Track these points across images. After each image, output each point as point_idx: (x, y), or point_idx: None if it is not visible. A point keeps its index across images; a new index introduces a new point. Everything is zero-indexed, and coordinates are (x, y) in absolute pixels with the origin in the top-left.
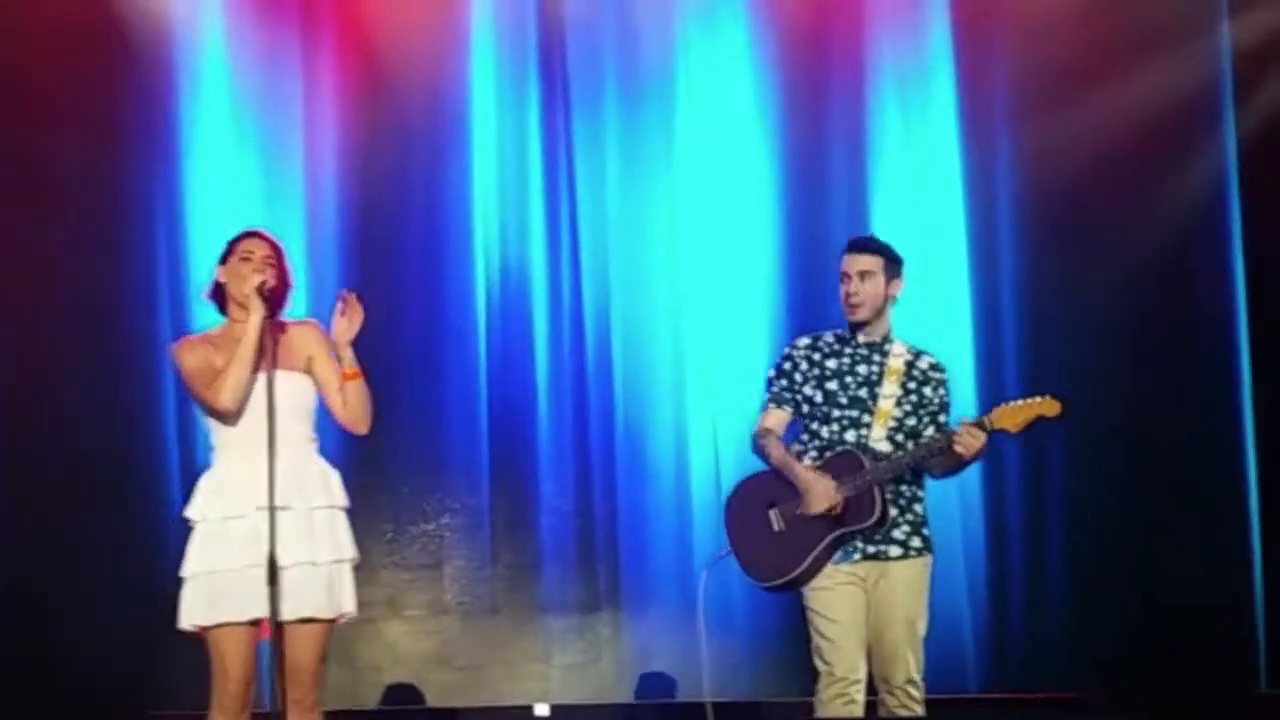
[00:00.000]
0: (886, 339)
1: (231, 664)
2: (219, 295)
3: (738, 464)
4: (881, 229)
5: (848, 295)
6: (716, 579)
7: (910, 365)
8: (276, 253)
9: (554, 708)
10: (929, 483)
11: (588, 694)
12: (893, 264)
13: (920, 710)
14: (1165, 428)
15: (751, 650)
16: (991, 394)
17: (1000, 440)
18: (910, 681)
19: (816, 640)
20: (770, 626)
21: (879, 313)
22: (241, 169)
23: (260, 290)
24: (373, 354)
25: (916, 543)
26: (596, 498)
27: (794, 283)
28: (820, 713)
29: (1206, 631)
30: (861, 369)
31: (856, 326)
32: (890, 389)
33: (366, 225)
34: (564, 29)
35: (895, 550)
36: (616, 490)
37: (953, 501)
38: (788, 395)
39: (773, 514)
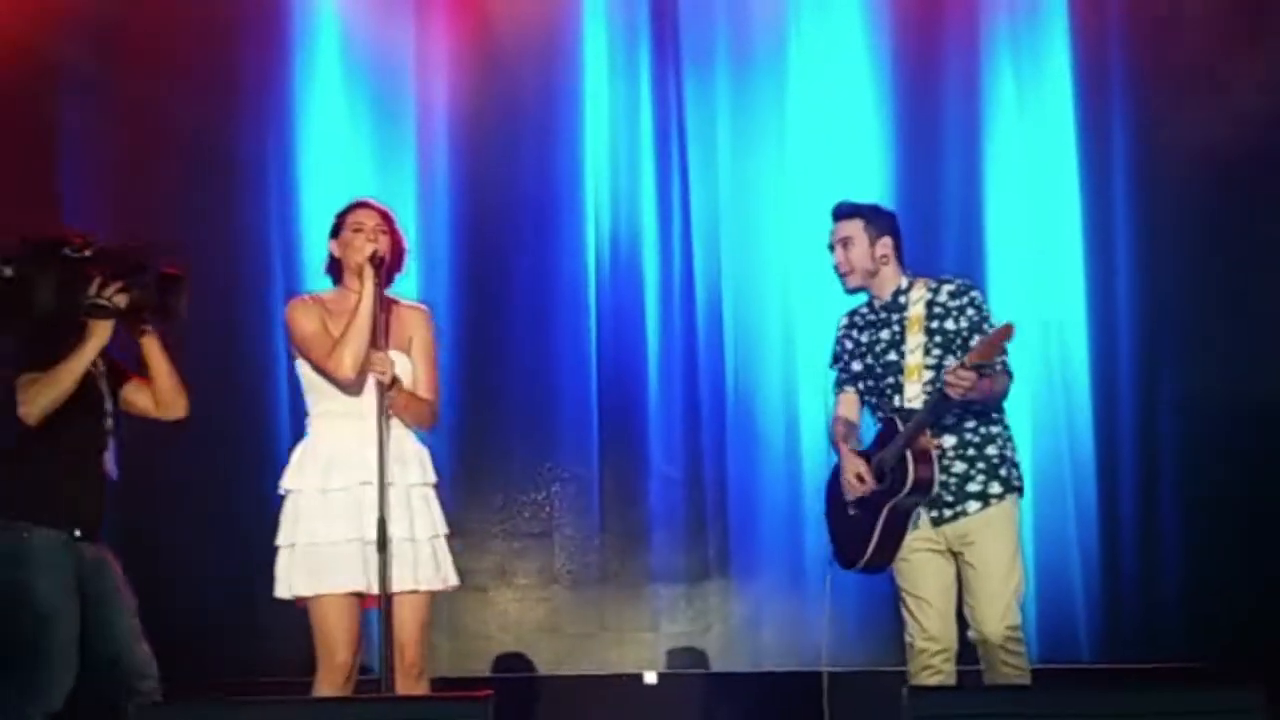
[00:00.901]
0: (900, 291)
1: (336, 634)
2: (335, 269)
3: None
4: (995, 198)
5: (837, 266)
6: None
7: (931, 304)
8: (387, 221)
9: (662, 676)
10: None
11: (696, 663)
12: (873, 223)
13: (1020, 663)
14: None
15: (865, 619)
16: (1106, 362)
17: (1114, 404)
18: (1008, 638)
19: (902, 612)
20: (884, 594)
21: (873, 274)
22: (354, 133)
23: (373, 259)
24: (485, 325)
25: (995, 488)
26: (706, 466)
27: (907, 253)
28: (912, 684)
29: None
30: (884, 334)
31: (876, 292)
32: (914, 341)
33: (478, 192)
34: None
35: (974, 504)
36: (726, 459)
37: (1065, 466)
38: (844, 377)
39: (848, 499)
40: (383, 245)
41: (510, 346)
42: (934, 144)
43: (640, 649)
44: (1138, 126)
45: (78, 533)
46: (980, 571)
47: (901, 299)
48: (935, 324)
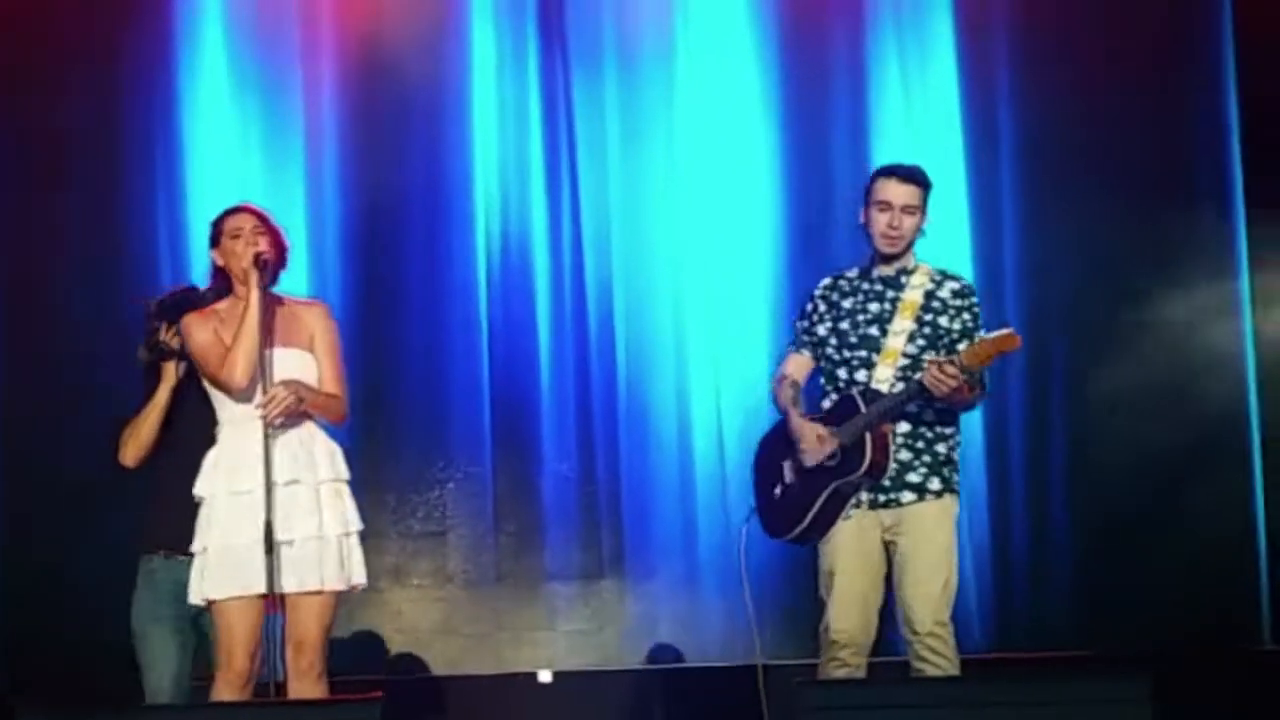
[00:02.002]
0: (905, 271)
1: (237, 635)
2: (219, 277)
3: (741, 430)
4: None
5: (889, 227)
6: (713, 539)
7: (930, 295)
8: (264, 221)
9: (558, 675)
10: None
11: (592, 661)
12: (927, 197)
13: (946, 661)
14: (1173, 377)
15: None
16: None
17: (1003, 394)
18: (931, 633)
19: (822, 596)
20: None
21: (909, 248)
22: (241, 139)
23: (258, 261)
24: (376, 325)
25: (935, 484)
26: (600, 465)
27: (796, 247)
28: (820, 675)
29: (1210, 588)
30: (874, 306)
31: (883, 259)
32: (902, 324)
33: (368, 193)
34: None
35: (909, 495)
36: (619, 457)
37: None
38: (805, 338)
39: (785, 465)
40: (264, 246)
41: (402, 346)
42: (822, 139)
43: (536, 648)
44: (1024, 117)
45: (162, 554)
46: (910, 564)
47: (903, 279)
48: (929, 316)
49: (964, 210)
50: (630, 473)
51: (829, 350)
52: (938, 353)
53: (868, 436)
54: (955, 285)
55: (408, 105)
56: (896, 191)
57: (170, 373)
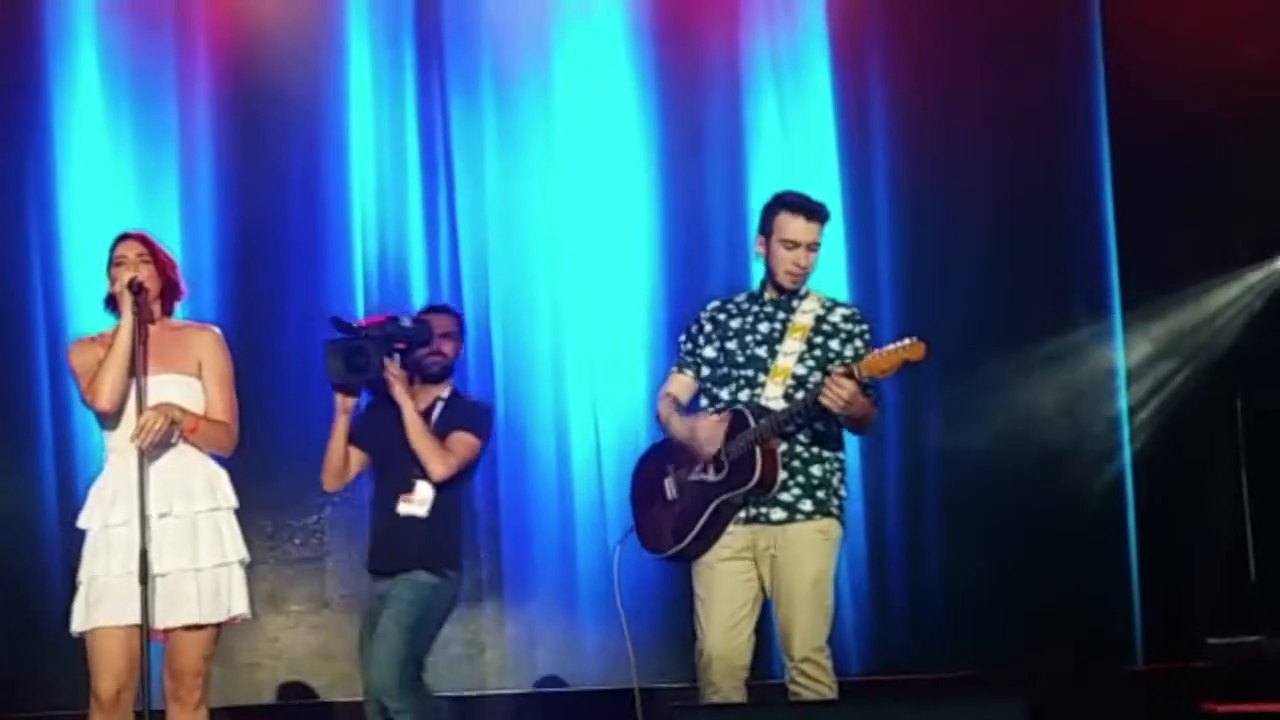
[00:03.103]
0: (796, 295)
1: (105, 666)
2: (112, 303)
3: (619, 453)
4: (760, 204)
5: (794, 264)
6: (592, 561)
7: (820, 320)
8: (150, 249)
9: (439, 698)
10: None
11: (472, 684)
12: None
13: (823, 687)
14: (1042, 390)
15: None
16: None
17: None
18: (807, 659)
19: (696, 620)
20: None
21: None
22: (115, 164)
23: (130, 286)
24: (252, 348)
25: (806, 506)
26: (478, 489)
27: (673, 272)
28: (700, 699)
29: (1083, 608)
30: (763, 327)
31: (776, 287)
32: (792, 345)
33: (244, 218)
34: (440, 17)
35: (779, 513)
36: (498, 481)
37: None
38: (690, 359)
39: (667, 481)
40: (143, 273)
41: (278, 370)
42: (699, 161)
43: None
44: (898, 143)
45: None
46: (783, 587)
47: (794, 303)
48: (820, 339)
49: (841, 241)
50: (508, 495)
51: (715, 370)
52: (825, 375)
53: (757, 451)
54: (846, 311)
55: (285, 127)
56: (804, 230)
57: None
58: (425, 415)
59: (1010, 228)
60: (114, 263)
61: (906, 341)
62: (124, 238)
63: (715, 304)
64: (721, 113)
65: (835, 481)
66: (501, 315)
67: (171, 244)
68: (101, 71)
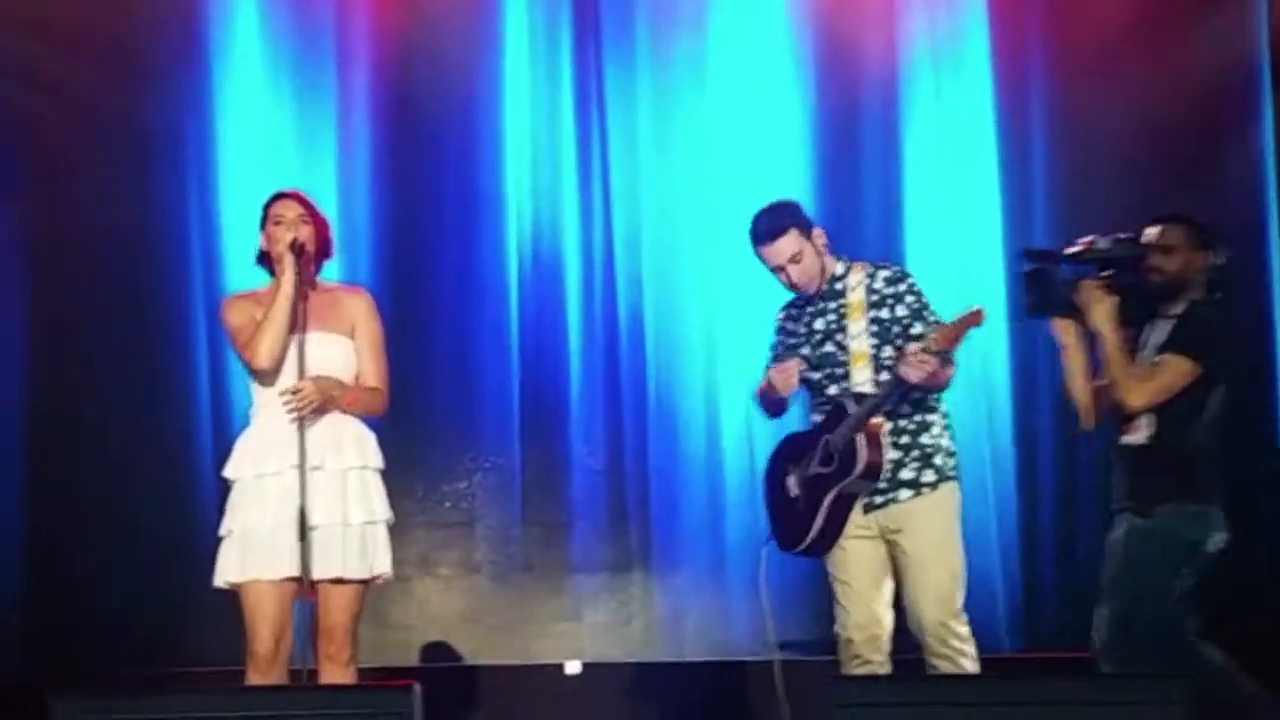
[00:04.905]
0: (836, 278)
1: (261, 619)
2: (265, 261)
3: (769, 428)
4: (914, 187)
5: (791, 282)
6: (740, 533)
7: (869, 290)
8: (309, 209)
9: (585, 666)
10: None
11: (619, 652)
12: (800, 223)
13: (964, 659)
14: None
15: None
16: (1026, 353)
17: (1032, 397)
18: (942, 623)
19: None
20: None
21: (823, 270)
22: (275, 123)
23: (293, 247)
24: (405, 315)
25: (929, 476)
26: (628, 457)
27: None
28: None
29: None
30: (819, 324)
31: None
32: (857, 327)
33: (400, 181)
34: None
35: (905, 492)
36: (648, 450)
37: (985, 460)
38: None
39: (790, 480)
40: (303, 234)
41: (432, 336)
42: (854, 134)
43: (562, 639)
44: (1057, 110)
45: None
46: (912, 560)
47: (839, 285)
48: (873, 312)
49: (997, 210)
50: (658, 466)
51: (806, 372)
52: (891, 345)
53: (858, 437)
54: (886, 273)
55: (441, 97)
56: (771, 254)
57: None
58: None
59: (1171, 200)
60: (272, 220)
61: (969, 311)
62: (281, 196)
63: (781, 314)
64: (876, 84)
65: (945, 442)
66: (654, 288)
67: (329, 214)
68: (262, 42)
